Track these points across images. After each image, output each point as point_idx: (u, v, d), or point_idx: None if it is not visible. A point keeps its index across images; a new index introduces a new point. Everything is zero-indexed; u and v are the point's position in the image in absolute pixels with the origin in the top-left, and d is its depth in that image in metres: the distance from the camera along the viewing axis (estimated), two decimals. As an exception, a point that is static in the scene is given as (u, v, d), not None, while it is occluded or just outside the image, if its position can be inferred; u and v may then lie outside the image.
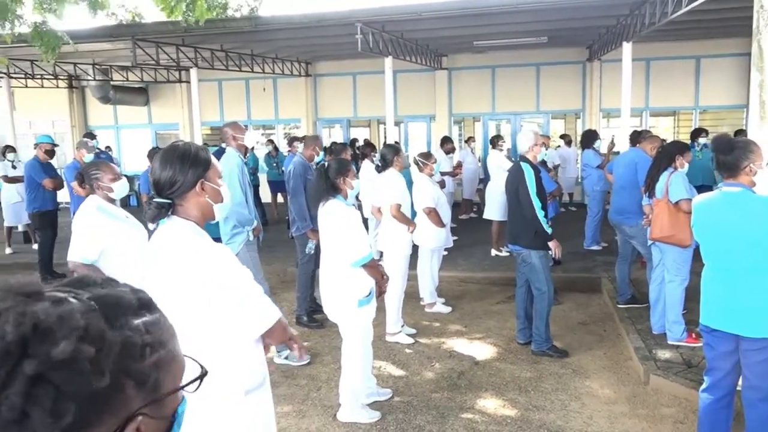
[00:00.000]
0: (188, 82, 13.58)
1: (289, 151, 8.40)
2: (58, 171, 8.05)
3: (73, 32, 8.39)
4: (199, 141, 11.02)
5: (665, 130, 15.79)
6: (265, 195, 11.78)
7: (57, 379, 0.61)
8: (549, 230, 4.83)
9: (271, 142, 12.47)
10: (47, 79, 14.25)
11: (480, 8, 8.07)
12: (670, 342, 4.90)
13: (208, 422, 2.15)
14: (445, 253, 6.87)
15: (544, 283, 4.92)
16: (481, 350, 5.28)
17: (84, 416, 0.62)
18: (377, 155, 7.38)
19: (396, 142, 10.40)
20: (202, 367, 0.80)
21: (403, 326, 5.58)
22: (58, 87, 15.29)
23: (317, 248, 5.77)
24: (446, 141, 10.09)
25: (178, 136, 14.88)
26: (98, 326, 0.65)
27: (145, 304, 0.74)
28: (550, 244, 4.85)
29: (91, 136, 9.98)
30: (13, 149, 9.85)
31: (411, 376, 4.76)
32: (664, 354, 4.74)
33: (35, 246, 8.76)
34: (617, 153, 8.57)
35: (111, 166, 3.86)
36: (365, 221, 6.20)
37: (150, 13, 18.84)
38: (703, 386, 3.22)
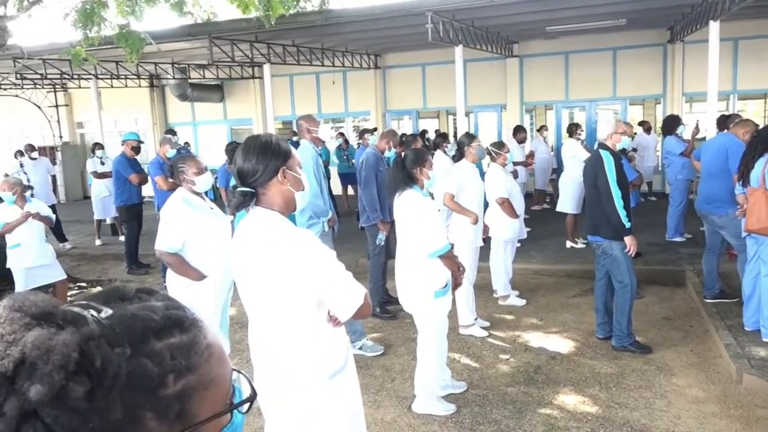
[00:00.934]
0: (261, 77, 13.97)
1: (359, 143, 8.47)
2: (143, 167, 8.43)
3: (154, 33, 8.73)
4: (272, 135, 11.27)
5: (755, 114, 14.84)
6: (336, 187, 11.94)
7: (48, 417, 0.56)
8: (627, 224, 4.58)
9: (341, 135, 12.60)
10: (131, 79, 14.97)
11: (555, -8, 7.84)
12: (765, 339, 4.60)
13: (291, 407, 2.19)
14: (519, 244, 6.73)
15: (626, 275, 4.72)
16: (558, 344, 5.13)
17: None
18: (449, 146, 7.30)
19: (469, 133, 10.29)
20: (252, 388, 0.73)
21: (476, 319, 5.50)
22: (140, 86, 16.04)
23: (388, 239, 5.80)
24: (519, 130, 9.88)
25: (252, 131, 15.31)
26: (99, 357, 0.58)
27: (177, 322, 0.66)
28: (626, 239, 4.60)
29: (172, 132, 10.41)
30: (101, 146, 10.42)
31: (485, 369, 4.70)
32: (758, 352, 4.45)
33: (122, 238, 9.25)
34: (702, 139, 8.11)
35: (197, 161, 4.01)
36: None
37: (224, 11, 19.44)
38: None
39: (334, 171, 12.15)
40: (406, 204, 3.79)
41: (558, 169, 10.11)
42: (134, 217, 8.25)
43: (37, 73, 13.30)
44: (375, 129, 10.44)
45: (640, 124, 12.11)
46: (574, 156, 8.08)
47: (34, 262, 5.79)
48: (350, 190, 12.22)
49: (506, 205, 5.85)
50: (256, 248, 2.10)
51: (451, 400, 4.09)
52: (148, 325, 0.63)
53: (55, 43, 10.54)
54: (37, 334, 0.58)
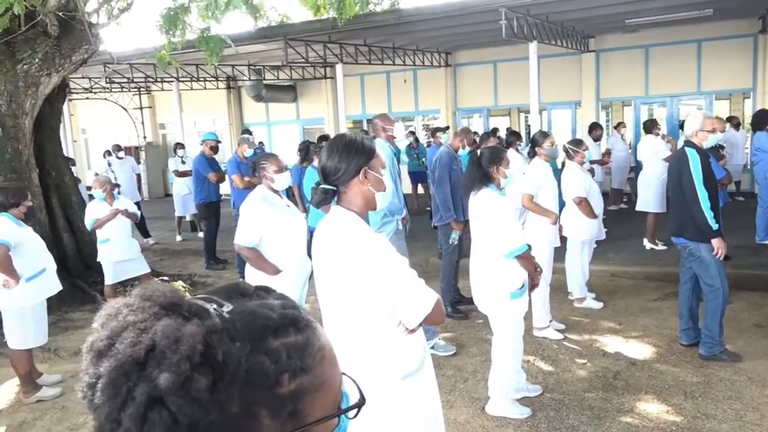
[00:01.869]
0: (333, 77, 14.17)
1: (429, 142, 8.43)
2: (221, 166, 8.73)
3: (231, 36, 9.03)
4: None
5: None
6: (406, 186, 11.93)
7: (173, 405, 0.57)
8: (715, 225, 4.32)
9: (412, 133, 12.60)
10: (209, 81, 15.56)
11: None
12: None
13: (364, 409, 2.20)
14: (596, 246, 6.51)
15: (716, 278, 4.45)
16: (639, 350, 4.93)
17: None
18: (522, 144, 7.16)
19: (543, 131, 10.06)
20: (361, 393, 0.73)
21: (551, 321, 5.37)
22: (217, 88, 16.65)
23: (461, 238, 5.74)
24: (595, 127, 9.56)
25: (324, 131, 15.55)
26: (221, 351, 0.59)
27: (293, 322, 0.66)
28: (714, 241, 4.34)
29: (248, 132, 10.73)
30: (182, 146, 10.87)
31: (561, 373, 4.57)
32: None
33: (201, 234, 9.62)
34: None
35: (278, 159, 4.14)
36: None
37: (296, 13, 19.87)
38: None
39: (404, 169, 12.17)
40: (482, 203, 3.74)
41: (636, 168, 9.72)
42: (212, 214, 8.55)
43: (124, 77, 14.06)
44: (447, 127, 10.37)
45: (728, 119, 11.43)
46: (655, 152, 7.74)
47: (122, 256, 6.11)
48: (420, 189, 12.20)
49: (584, 204, 5.67)
50: (332, 249, 2.13)
51: (526, 403, 4.01)
52: (267, 323, 0.64)
53: (142, 48, 11.09)
54: (166, 324, 0.60)
